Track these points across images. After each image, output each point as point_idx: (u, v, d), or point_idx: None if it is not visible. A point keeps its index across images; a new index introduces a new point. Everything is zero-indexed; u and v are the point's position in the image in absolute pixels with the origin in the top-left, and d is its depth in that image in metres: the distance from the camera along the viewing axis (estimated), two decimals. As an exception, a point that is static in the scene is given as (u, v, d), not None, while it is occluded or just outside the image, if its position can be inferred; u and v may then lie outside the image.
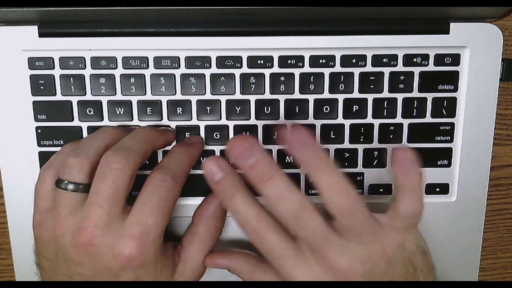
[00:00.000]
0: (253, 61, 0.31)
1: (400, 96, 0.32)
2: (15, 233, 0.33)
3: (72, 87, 0.32)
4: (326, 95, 0.32)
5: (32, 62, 0.31)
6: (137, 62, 0.31)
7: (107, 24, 0.31)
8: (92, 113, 0.32)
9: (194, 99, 0.32)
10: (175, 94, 0.32)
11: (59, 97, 0.32)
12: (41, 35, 0.31)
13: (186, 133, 0.32)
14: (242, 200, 0.26)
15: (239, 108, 0.32)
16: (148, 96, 0.32)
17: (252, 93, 0.32)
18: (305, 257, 0.27)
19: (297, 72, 0.32)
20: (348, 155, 0.33)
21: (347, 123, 0.32)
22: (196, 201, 0.32)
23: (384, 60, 0.32)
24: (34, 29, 0.30)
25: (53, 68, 0.31)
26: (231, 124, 0.32)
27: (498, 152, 0.35)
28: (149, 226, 0.26)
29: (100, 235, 0.26)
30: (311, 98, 0.32)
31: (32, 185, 0.29)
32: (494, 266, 0.38)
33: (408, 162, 0.27)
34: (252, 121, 0.32)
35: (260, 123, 0.32)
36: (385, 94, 0.32)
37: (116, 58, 0.31)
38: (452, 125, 0.33)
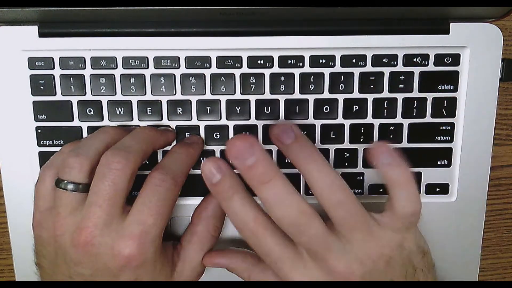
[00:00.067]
0: (253, 61, 0.31)
1: (400, 96, 0.32)
2: (15, 233, 0.33)
3: (72, 87, 0.32)
4: (326, 95, 0.32)
5: (32, 62, 0.31)
6: (137, 62, 0.31)
7: (107, 24, 0.31)
8: (92, 113, 0.32)
9: (194, 99, 0.32)
10: (175, 94, 0.32)
11: (59, 97, 0.32)
12: (41, 35, 0.31)
13: (186, 133, 0.32)
14: (240, 202, 0.26)
15: (239, 108, 0.32)
16: (148, 96, 0.32)
17: (252, 93, 0.32)
18: (303, 260, 0.27)
19: (297, 72, 0.32)
20: (348, 155, 0.33)
21: (347, 123, 0.32)
22: (196, 201, 0.32)
23: (384, 60, 0.32)
24: (34, 29, 0.30)
25: (53, 68, 0.31)
26: (231, 124, 0.32)
27: (498, 152, 0.35)
28: (148, 226, 0.26)
29: (99, 235, 0.26)
30: (311, 98, 0.32)
31: (32, 185, 0.29)
32: (494, 266, 0.38)
33: (389, 157, 0.26)
34: (252, 121, 0.32)
35: (260, 123, 0.32)
36: (385, 94, 0.32)
37: (116, 58, 0.31)
38: (452, 125, 0.33)
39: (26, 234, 0.29)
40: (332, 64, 0.32)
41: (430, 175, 0.33)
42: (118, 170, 0.26)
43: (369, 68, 0.32)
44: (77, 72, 0.31)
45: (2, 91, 0.31)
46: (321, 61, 0.32)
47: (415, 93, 0.32)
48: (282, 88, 0.32)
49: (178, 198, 0.28)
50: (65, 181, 0.26)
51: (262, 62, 0.31)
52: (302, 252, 0.27)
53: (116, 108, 0.32)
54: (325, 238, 0.26)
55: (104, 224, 0.26)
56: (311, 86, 0.32)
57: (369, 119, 0.32)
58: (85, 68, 0.31)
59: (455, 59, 0.32)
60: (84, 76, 0.31)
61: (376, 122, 0.32)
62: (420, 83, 0.32)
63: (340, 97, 0.32)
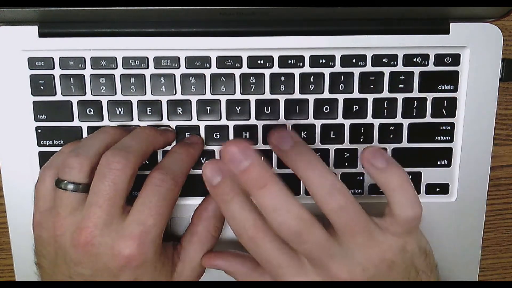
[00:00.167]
0: (253, 61, 0.31)
1: (400, 96, 0.32)
2: (15, 233, 0.33)
3: (72, 87, 0.32)
4: (326, 95, 0.32)
5: (32, 62, 0.31)
6: (137, 62, 0.31)
7: (107, 24, 0.31)
8: (92, 113, 0.32)
9: (194, 99, 0.32)
10: (175, 94, 0.32)
11: (59, 97, 0.32)
12: (41, 35, 0.31)
13: (186, 133, 0.32)
14: (239, 205, 0.25)
15: (239, 108, 0.32)
16: (148, 96, 0.32)
17: (252, 93, 0.32)
18: (304, 268, 0.26)
19: (297, 72, 0.32)
20: (348, 155, 0.33)
21: (347, 123, 0.32)
22: (196, 201, 0.32)
23: (384, 60, 0.32)
24: (34, 29, 0.30)
25: (53, 68, 0.31)
26: (231, 124, 0.32)
27: (498, 152, 0.35)
28: (148, 226, 0.26)
29: (99, 235, 0.26)
30: (311, 98, 0.32)
31: (32, 185, 0.29)
32: (494, 266, 0.38)
33: (383, 161, 0.26)
34: (252, 121, 0.32)
35: (260, 123, 0.32)
36: (385, 94, 0.32)
37: (116, 58, 0.31)
38: (452, 125, 0.33)
39: (26, 234, 0.29)
40: (332, 64, 0.32)
41: (430, 175, 0.33)
42: (118, 170, 0.26)
43: (369, 68, 0.32)
44: (77, 72, 0.31)
45: (2, 91, 0.31)
46: (321, 61, 0.32)
47: (415, 93, 0.32)
48: (282, 88, 0.32)
49: (178, 198, 0.28)
50: (65, 181, 0.26)
51: (262, 62, 0.31)
52: (303, 260, 0.26)
53: (116, 108, 0.32)
54: (327, 245, 0.25)
55: (104, 224, 0.26)
56: (311, 86, 0.32)
57: (369, 119, 0.32)
58: (85, 68, 0.31)
59: (455, 59, 0.32)
60: (84, 76, 0.31)
61: (376, 122, 0.32)
62: (420, 83, 0.32)
63: (340, 97, 0.32)
